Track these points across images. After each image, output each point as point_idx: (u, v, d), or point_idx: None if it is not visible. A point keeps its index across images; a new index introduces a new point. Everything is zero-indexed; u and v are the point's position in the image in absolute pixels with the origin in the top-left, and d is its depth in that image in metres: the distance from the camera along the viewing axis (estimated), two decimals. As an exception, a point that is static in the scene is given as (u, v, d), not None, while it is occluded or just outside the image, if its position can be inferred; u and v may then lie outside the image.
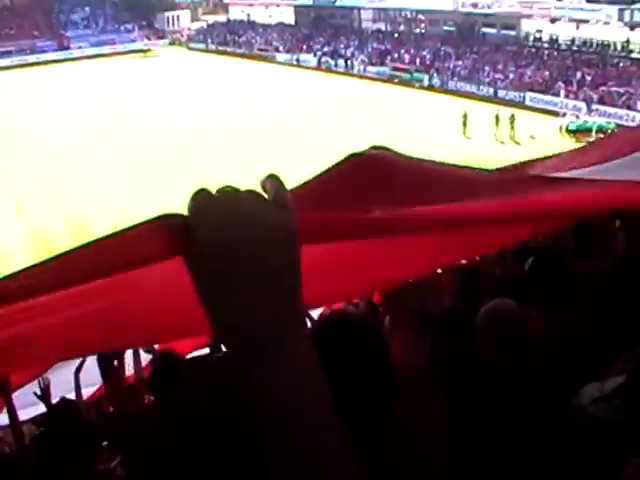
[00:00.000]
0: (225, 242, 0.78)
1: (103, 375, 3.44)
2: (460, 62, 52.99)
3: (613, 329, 2.85)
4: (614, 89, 42.24)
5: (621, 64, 46.62)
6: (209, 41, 75.32)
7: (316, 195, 1.47)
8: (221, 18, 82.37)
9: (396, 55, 57.39)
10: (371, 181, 1.60)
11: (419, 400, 1.89)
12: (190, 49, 75.32)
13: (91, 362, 4.37)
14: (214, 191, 0.86)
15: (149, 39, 77.98)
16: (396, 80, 53.35)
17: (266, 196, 0.87)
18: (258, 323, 0.78)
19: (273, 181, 0.90)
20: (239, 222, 0.80)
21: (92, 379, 5.01)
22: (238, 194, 0.85)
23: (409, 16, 64.07)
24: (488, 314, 3.02)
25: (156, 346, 4.83)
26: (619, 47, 48.74)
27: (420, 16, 62.95)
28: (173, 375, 3.87)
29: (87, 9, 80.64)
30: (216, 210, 0.81)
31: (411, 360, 2.04)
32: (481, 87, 48.42)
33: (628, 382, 2.19)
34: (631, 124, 34.65)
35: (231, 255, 0.78)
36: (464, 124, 36.89)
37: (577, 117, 38.12)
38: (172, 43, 78.75)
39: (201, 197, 0.84)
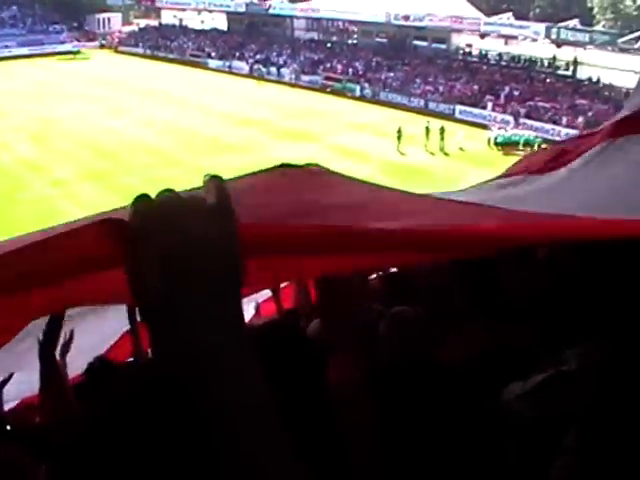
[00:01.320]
0: (165, 252, 0.76)
1: (43, 376, 3.24)
2: (392, 74, 53.66)
3: (542, 341, 2.87)
4: (541, 104, 43.30)
5: (548, 80, 47.98)
6: (140, 45, 74.45)
7: (248, 200, 1.33)
8: (153, 22, 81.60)
9: (328, 65, 57.78)
10: (305, 192, 1.53)
11: (353, 411, 1.87)
12: (121, 52, 74.29)
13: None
14: (154, 195, 0.82)
15: (79, 41, 76.66)
16: (328, 90, 53.63)
17: (208, 197, 0.84)
18: (198, 334, 0.76)
19: (216, 183, 0.85)
20: (180, 231, 0.77)
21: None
22: (179, 200, 0.82)
23: (342, 27, 64.51)
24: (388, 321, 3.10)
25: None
26: (546, 63, 50.01)
27: (353, 27, 63.49)
28: (107, 380, 3.71)
29: (15, 8, 78.65)
30: (157, 218, 0.78)
31: (347, 374, 1.98)
32: (412, 99, 49.00)
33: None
34: (557, 138, 35.48)
35: (171, 266, 0.76)
36: (398, 139, 36.50)
37: (505, 130, 38.92)
38: (102, 46, 77.49)
39: (142, 204, 0.80)
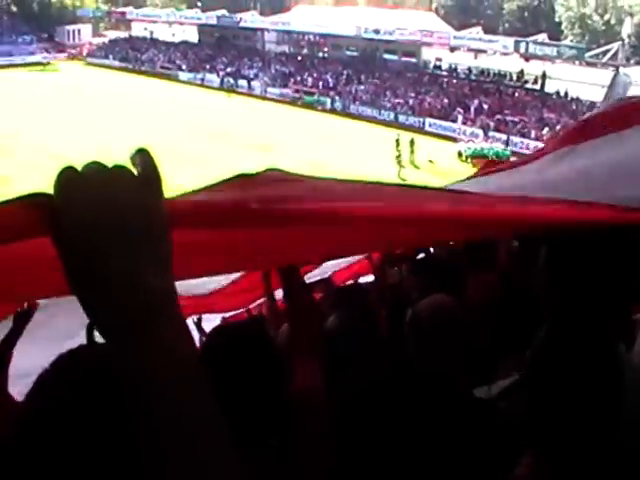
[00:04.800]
0: (91, 224, 0.75)
1: None
2: (362, 87, 53.85)
3: (499, 339, 2.85)
4: (509, 117, 43.67)
5: (516, 93, 48.43)
6: (111, 57, 74.08)
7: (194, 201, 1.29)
8: (123, 34, 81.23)
9: (299, 78, 57.85)
10: (257, 191, 1.45)
11: (310, 418, 1.89)
12: (91, 64, 73.81)
13: None
14: (80, 168, 0.80)
15: (48, 52, 75.97)
16: (299, 102, 53.70)
17: (136, 172, 0.83)
18: (126, 307, 0.75)
19: (143, 156, 0.85)
20: (105, 202, 0.77)
21: None
22: (106, 172, 0.80)
23: (312, 40, 64.69)
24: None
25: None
26: (514, 77, 50.45)
27: (323, 40, 63.67)
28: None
29: (-18, 19, 78.06)
30: (82, 189, 0.77)
31: (313, 382, 2.00)
32: (382, 112, 49.19)
33: (524, 379, 2.14)
34: (525, 151, 35.74)
35: (98, 237, 0.75)
36: (399, 163, 34.69)
37: (474, 143, 39.12)
38: (72, 57, 76.91)
39: (67, 176, 0.79)
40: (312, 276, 4.98)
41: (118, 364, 0.76)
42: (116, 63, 72.31)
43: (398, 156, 34.86)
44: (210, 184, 1.43)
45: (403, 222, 1.69)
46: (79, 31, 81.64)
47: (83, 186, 0.77)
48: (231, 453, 0.79)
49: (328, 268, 5.49)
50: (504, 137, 41.00)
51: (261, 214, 1.30)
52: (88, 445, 1.00)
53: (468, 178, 3.83)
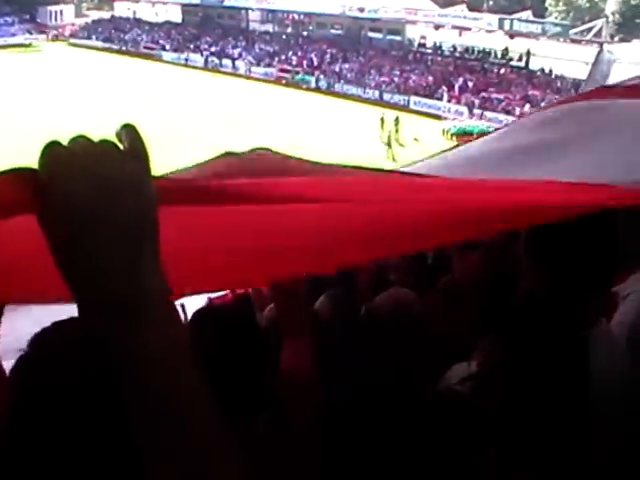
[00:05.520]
0: (79, 200, 0.72)
1: None
2: (347, 65, 53.70)
3: (485, 318, 2.90)
4: (494, 95, 43.73)
5: (501, 71, 48.44)
6: (94, 37, 73.30)
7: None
8: (106, 14, 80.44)
9: (283, 57, 57.55)
10: (243, 172, 1.47)
11: (301, 398, 1.89)
12: (74, 45, 73.10)
13: None
14: (66, 143, 0.77)
15: (31, 33, 75.12)
16: (283, 82, 53.44)
17: (122, 147, 0.80)
18: (114, 290, 0.73)
19: (129, 131, 0.82)
20: (94, 178, 0.73)
21: None
22: (93, 146, 0.77)
23: (297, 18, 64.32)
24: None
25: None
26: (499, 55, 50.45)
27: (308, 19, 63.32)
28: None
29: (-37, 0, 77.02)
30: (69, 165, 0.74)
31: (302, 363, 1.96)
32: (367, 90, 49.09)
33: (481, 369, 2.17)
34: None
35: (85, 215, 0.72)
36: (388, 144, 34.72)
37: (459, 121, 39.20)
38: (55, 38, 76.05)
39: (53, 150, 0.75)
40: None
41: (110, 346, 0.74)
42: (99, 44, 71.47)
43: (388, 136, 34.95)
44: (197, 163, 1.46)
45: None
46: (61, 12, 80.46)
47: (71, 162, 0.74)
48: (225, 439, 0.77)
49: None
50: (489, 114, 41.06)
51: (247, 190, 1.27)
52: (75, 437, 1.00)
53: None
